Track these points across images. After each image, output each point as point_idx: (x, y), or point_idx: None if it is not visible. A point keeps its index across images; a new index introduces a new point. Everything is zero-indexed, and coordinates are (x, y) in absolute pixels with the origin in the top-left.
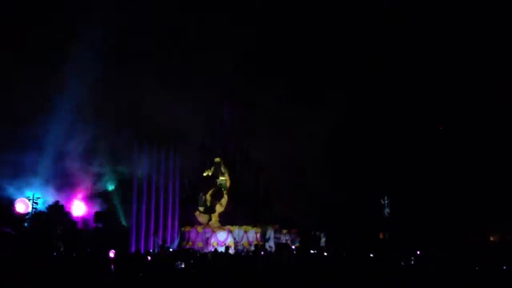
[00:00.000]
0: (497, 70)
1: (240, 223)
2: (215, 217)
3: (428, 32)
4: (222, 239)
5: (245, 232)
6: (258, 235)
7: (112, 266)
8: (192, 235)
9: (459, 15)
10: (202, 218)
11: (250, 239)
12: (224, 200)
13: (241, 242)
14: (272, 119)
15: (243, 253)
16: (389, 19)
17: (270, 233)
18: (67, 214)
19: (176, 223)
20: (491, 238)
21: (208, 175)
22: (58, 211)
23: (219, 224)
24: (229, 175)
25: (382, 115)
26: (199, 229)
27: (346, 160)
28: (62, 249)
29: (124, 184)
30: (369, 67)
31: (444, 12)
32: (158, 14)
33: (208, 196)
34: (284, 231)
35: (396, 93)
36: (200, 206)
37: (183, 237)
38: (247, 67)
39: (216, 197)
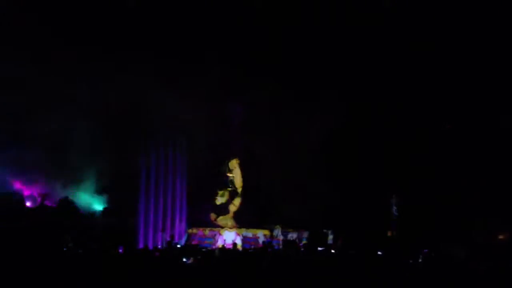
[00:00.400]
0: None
1: (247, 224)
2: (229, 217)
3: (434, 29)
4: (229, 241)
5: (254, 234)
6: (268, 237)
7: (122, 261)
8: (198, 237)
9: (464, 11)
10: (214, 216)
11: (260, 242)
12: (238, 200)
13: (251, 242)
14: (273, 117)
15: (250, 250)
16: (392, 17)
17: (278, 231)
18: (76, 210)
19: (184, 218)
20: (500, 237)
21: (220, 171)
22: (67, 207)
23: (233, 223)
24: (241, 173)
25: (389, 112)
26: (206, 231)
27: (352, 158)
28: (71, 245)
29: (129, 180)
30: (373, 64)
31: (448, 9)
32: (160, 14)
33: (221, 195)
34: (290, 230)
35: (402, 90)
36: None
37: (189, 238)
38: (250, 66)
39: (230, 196)
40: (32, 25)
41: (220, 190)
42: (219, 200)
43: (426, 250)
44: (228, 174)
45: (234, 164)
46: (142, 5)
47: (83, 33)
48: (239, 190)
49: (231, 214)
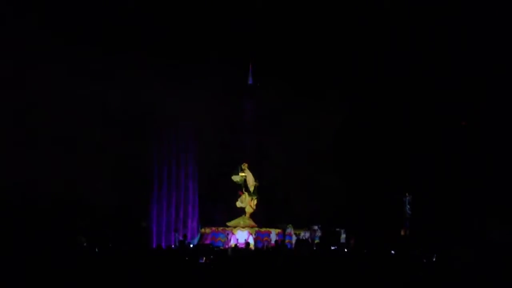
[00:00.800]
0: None
1: (259, 223)
2: (244, 218)
3: (435, 28)
4: (242, 241)
5: (267, 232)
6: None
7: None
8: (211, 236)
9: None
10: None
11: (272, 241)
12: (254, 201)
13: (263, 238)
14: (282, 116)
15: (264, 248)
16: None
17: (290, 230)
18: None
19: (196, 217)
20: None
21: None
22: (81, 205)
23: (246, 222)
24: (253, 173)
25: (401, 109)
26: (219, 231)
27: (364, 156)
28: (85, 244)
29: (140, 180)
30: (383, 61)
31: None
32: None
33: (242, 198)
34: (300, 231)
35: (415, 88)
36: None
37: (202, 238)
38: (255, 66)
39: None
40: (32, 25)
41: (243, 194)
42: (240, 204)
43: (440, 249)
44: (241, 174)
45: (245, 164)
46: (147, 6)
47: (88, 34)
48: (252, 189)
49: (247, 215)
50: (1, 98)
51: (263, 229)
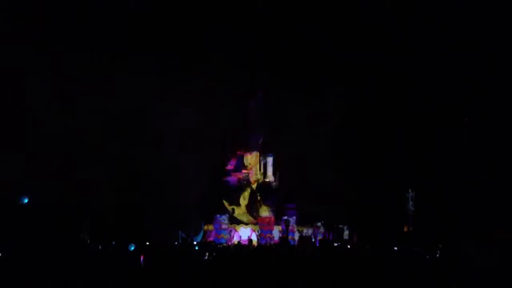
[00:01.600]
0: None
1: (263, 220)
2: (241, 209)
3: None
4: (245, 237)
5: (270, 229)
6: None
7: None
8: (214, 233)
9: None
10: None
11: (275, 237)
12: (254, 196)
13: (266, 235)
14: (281, 114)
15: (267, 244)
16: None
17: (293, 226)
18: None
19: (199, 215)
20: None
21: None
22: (85, 205)
23: (247, 217)
24: (257, 170)
25: (404, 107)
26: (222, 228)
27: (368, 154)
28: (88, 242)
29: (142, 179)
30: (389, 61)
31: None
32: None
33: (244, 197)
34: (303, 227)
35: (420, 88)
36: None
37: (205, 235)
38: (258, 66)
39: (250, 196)
40: (32, 25)
41: (244, 192)
42: (243, 201)
43: (442, 246)
44: (243, 171)
45: (249, 160)
46: (147, 6)
47: (87, 35)
48: (254, 186)
49: (245, 209)
50: (2, 98)
51: (266, 226)
